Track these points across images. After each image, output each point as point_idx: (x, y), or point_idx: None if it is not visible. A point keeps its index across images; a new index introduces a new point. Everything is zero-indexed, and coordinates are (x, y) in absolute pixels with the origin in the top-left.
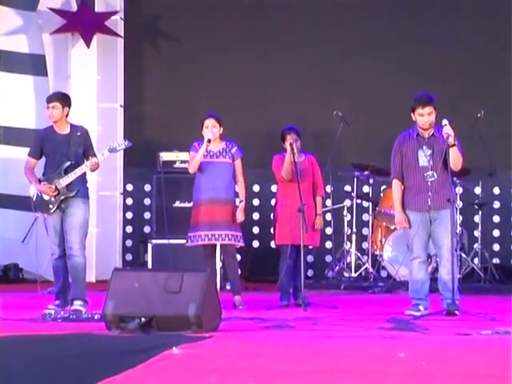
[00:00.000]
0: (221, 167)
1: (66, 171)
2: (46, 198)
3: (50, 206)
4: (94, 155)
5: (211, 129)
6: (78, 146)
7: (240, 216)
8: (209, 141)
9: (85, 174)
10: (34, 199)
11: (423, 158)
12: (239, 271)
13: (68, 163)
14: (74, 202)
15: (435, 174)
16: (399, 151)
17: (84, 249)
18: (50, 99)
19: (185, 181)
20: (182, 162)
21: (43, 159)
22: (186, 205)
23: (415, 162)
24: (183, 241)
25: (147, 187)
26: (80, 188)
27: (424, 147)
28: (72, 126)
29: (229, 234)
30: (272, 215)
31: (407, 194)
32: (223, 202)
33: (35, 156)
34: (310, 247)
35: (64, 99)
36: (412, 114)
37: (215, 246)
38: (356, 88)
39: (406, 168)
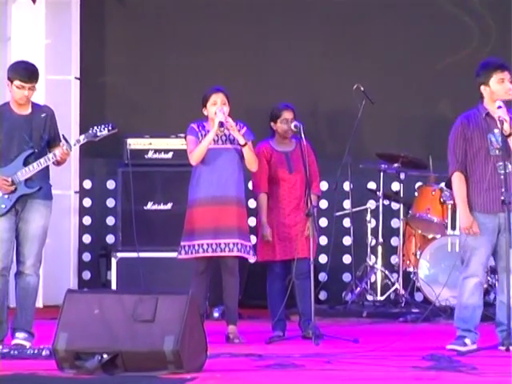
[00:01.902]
0: (227, 155)
1: (27, 162)
2: None
3: (2, 206)
4: (66, 141)
5: (221, 107)
6: (42, 131)
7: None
8: (222, 125)
9: (48, 168)
10: None
11: (494, 144)
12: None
13: (29, 151)
14: (33, 205)
15: (510, 166)
16: (462, 136)
17: (39, 266)
18: (29, 78)
19: (160, 176)
20: (157, 151)
21: None
22: (162, 207)
23: (485, 149)
24: (158, 254)
25: (110, 184)
26: (43, 185)
27: (495, 130)
28: (34, 104)
29: (238, 244)
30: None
31: (472, 190)
32: (231, 200)
33: None
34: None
35: (39, 76)
36: (483, 88)
37: (213, 259)
38: (383, 54)
39: (473, 157)
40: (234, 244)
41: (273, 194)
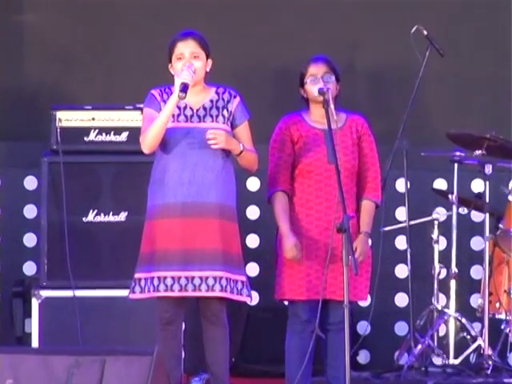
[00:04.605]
0: (207, 140)
1: None
2: None
3: None
4: None
5: (189, 62)
6: None
7: (220, 137)
8: (184, 88)
9: None
10: None
11: None
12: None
13: None
14: None
15: None
16: None
17: None
18: None
19: (109, 169)
20: (103, 130)
21: None
22: (112, 218)
23: None
24: (105, 292)
25: (30, 182)
26: None
27: None
28: None
29: (221, 278)
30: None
31: None
32: (212, 210)
33: None
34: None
35: None
36: None
37: (185, 300)
38: None
39: None
40: (215, 278)
41: (300, 195)
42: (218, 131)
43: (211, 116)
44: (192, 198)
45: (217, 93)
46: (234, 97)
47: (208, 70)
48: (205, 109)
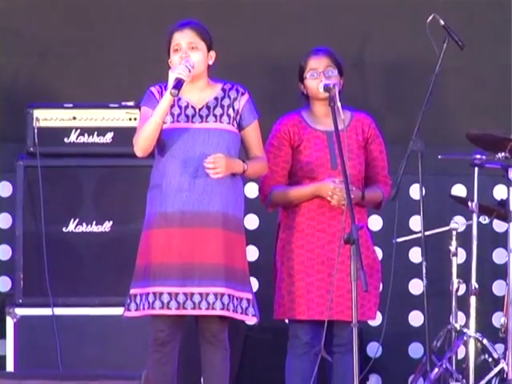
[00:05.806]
0: (210, 142)
1: None
2: None
3: None
4: None
5: (186, 54)
6: None
7: (221, 161)
8: (178, 84)
9: None
10: None
11: None
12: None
13: None
14: None
15: None
16: None
17: None
18: None
19: (91, 174)
20: (85, 131)
21: None
22: (94, 229)
23: None
24: (87, 310)
25: (3, 189)
26: None
27: None
28: None
29: (223, 295)
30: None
31: None
32: (215, 220)
33: None
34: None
35: None
36: None
37: (183, 319)
38: None
39: None
40: (216, 295)
41: (301, 204)
42: (217, 156)
43: (215, 116)
44: (192, 206)
45: (223, 89)
46: (242, 94)
47: (211, 63)
48: (208, 108)
